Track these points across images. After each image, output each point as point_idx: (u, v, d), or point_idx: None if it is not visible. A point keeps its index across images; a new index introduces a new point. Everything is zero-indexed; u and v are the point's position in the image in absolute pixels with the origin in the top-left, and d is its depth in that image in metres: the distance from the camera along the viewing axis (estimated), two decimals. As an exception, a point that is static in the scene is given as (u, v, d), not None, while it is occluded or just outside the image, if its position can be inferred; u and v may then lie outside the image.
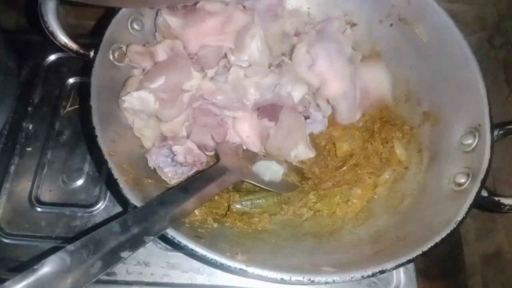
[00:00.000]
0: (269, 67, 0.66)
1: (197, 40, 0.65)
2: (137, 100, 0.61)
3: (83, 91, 0.77)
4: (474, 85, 0.62)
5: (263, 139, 0.68)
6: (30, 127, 0.83)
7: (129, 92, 0.61)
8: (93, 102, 0.58)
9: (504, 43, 0.96)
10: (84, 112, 0.77)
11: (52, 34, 0.61)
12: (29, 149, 0.81)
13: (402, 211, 0.65)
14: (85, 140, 0.82)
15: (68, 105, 0.85)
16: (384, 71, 0.74)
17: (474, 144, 0.60)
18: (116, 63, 0.66)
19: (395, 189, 0.69)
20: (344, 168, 0.70)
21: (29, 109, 0.84)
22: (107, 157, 0.56)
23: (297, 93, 0.65)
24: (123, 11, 0.66)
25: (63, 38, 0.62)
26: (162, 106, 0.61)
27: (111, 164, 0.55)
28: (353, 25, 0.77)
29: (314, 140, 0.73)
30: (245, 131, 0.67)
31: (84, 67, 0.68)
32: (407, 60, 0.73)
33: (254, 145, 0.67)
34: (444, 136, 0.66)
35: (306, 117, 0.71)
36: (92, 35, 1.00)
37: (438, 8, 0.67)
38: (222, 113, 0.65)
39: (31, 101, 0.85)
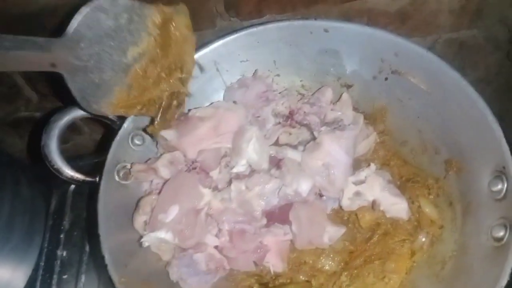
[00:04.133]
0: (270, 170, 0.65)
1: (194, 147, 0.65)
2: (157, 239, 0.61)
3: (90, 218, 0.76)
4: (486, 125, 0.57)
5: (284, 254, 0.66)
6: (64, 253, 0.85)
7: (146, 233, 0.62)
8: (102, 231, 0.59)
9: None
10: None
11: (58, 170, 0.64)
12: (65, 276, 0.82)
13: (447, 277, 0.59)
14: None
15: (97, 225, 0.87)
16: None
17: (504, 190, 0.54)
18: (123, 182, 0.66)
19: (434, 253, 0.63)
20: (374, 239, 0.64)
21: (61, 236, 0.87)
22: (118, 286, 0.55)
23: (305, 187, 0.63)
24: (122, 131, 0.67)
25: (69, 172, 0.64)
26: (183, 238, 0.60)
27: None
28: (348, 86, 0.75)
29: (335, 215, 0.68)
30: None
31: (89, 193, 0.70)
32: (413, 110, 0.70)
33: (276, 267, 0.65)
34: (472, 184, 0.61)
35: (321, 196, 0.68)
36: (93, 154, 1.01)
37: (428, 54, 0.63)
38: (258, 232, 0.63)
39: (62, 228, 0.88)
